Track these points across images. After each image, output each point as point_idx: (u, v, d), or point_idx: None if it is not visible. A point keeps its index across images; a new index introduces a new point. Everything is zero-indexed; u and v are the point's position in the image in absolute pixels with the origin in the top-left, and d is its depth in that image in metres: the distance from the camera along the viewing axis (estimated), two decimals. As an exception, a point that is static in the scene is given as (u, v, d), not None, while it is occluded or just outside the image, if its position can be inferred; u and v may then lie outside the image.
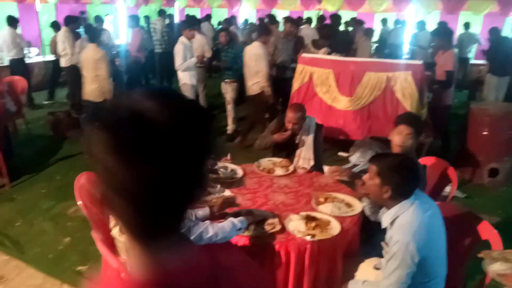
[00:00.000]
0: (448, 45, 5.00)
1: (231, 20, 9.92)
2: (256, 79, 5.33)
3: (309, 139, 3.51)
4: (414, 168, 2.03)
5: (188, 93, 5.78)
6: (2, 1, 8.56)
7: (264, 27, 6.00)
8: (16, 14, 9.24)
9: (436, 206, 2.04)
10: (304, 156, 3.51)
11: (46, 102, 8.12)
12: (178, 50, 5.64)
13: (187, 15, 10.91)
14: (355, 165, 5.12)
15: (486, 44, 9.14)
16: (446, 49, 4.95)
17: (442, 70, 4.88)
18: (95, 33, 5.30)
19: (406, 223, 1.89)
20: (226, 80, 5.85)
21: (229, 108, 6.03)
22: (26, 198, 4.31)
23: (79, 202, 2.45)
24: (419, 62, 4.68)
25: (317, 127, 3.59)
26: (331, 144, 5.46)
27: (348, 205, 2.61)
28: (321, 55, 5.09)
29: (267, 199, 2.72)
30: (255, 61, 5.29)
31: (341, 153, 5.53)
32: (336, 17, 7.70)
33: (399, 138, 2.69)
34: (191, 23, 6.13)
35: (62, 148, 5.75)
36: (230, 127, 6.21)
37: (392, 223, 1.95)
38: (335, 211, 2.50)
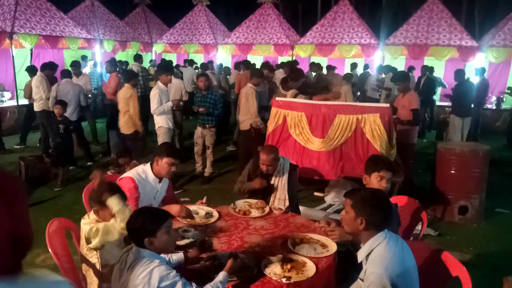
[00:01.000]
0: (407, 88, 5.44)
1: (207, 65, 10.21)
2: (248, 116, 5.80)
3: (283, 180, 3.58)
4: (385, 199, 2.14)
5: (164, 136, 5.80)
6: (-24, 46, 8.55)
7: (258, 71, 6.36)
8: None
9: (406, 245, 2.10)
10: (279, 197, 3.57)
11: (18, 147, 7.94)
12: (154, 94, 5.73)
13: (163, 60, 11.17)
14: (330, 205, 5.19)
15: (449, 87, 9.79)
16: (407, 91, 5.32)
17: (406, 111, 5.19)
18: (130, 75, 6.19)
19: (379, 256, 1.96)
20: (206, 125, 6.04)
21: (209, 152, 6.20)
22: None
23: (50, 250, 2.37)
24: (386, 105, 4.92)
25: (291, 168, 3.68)
26: (307, 185, 5.55)
27: (323, 245, 2.64)
28: (294, 98, 5.28)
29: (243, 242, 2.71)
30: (246, 100, 5.79)
31: (316, 193, 5.61)
32: (314, 65, 8.91)
33: (381, 183, 2.80)
34: (167, 68, 6.27)
35: (33, 194, 5.59)
36: (207, 170, 6.26)
37: (367, 257, 2.01)
38: (311, 252, 2.52)
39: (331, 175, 4.73)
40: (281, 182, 3.58)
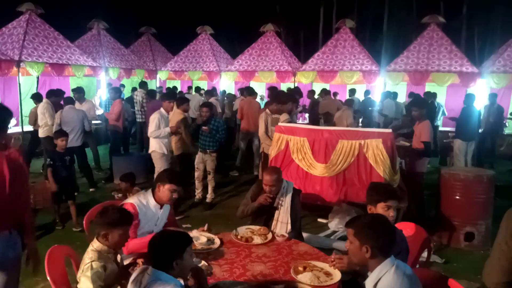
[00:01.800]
0: (424, 116, 5.30)
1: (212, 92, 10.34)
2: (267, 140, 6.04)
3: (286, 202, 3.58)
4: (386, 222, 2.11)
5: (158, 161, 5.78)
6: (-16, 74, 8.72)
7: (278, 97, 6.42)
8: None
9: (415, 274, 2.05)
10: (282, 220, 3.54)
11: (21, 173, 7.95)
12: (153, 118, 5.78)
13: (168, 88, 11.36)
14: (334, 232, 5.12)
15: (448, 114, 9.91)
16: (422, 120, 5.24)
17: (418, 140, 5.13)
18: (182, 101, 6.35)
19: (388, 285, 1.91)
20: (207, 150, 6.03)
21: (210, 177, 6.18)
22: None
23: (48, 278, 2.33)
24: (388, 130, 4.92)
25: (294, 192, 3.67)
26: (310, 210, 5.49)
27: (327, 274, 2.58)
28: (297, 124, 5.32)
29: (245, 270, 2.66)
30: (265, 125, 6.14)
31: (320, 220, 5.54)
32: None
33: (388, 212, 2.76)
34: (171, 95, 6.35)
35: (34, 219, 5.54)
36: (209, 196, 6.22)
37: (374, 286, 1.96)
38: (314, 281, 2.46)
39: (334, 200, 4.69)
40: (284, 205, 3.56)
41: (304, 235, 4.09)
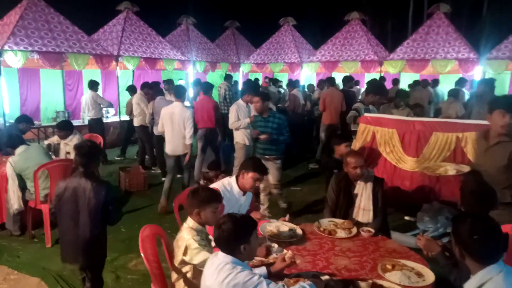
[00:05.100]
0: None
1: (294, 83, 10.28)
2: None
3: (368, 188, 3.45)
4: (494, 226, 1.84)
5: (239, 151, 5.87)
6: (89, 68, 9.66)
7: (378, 88, 5.71)
8: (99, 79, 10.41)
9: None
10: (364, 207, 3.42)
11: (118, 158, 8.70)
12: (232, 110, 5.93)
13: (248, 80, 11.52)
14: (424, 231, 4.75)
15: None
16: None
17: None
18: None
19: None
20: (266, 156, 5.05)
21: (276, 192, 5.39)
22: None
23: (142, 254, 2.48)
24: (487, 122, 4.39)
25: (376, 179, 3.55)
26: (397, 208, 5.16)
27: (419, 274, 2.39)
28: (384, 114, 5.01)
29: (329, 263, 2.58)
30: None
31: (407, 217, 5.20)
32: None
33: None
34: (252, 89, 6.41)
35: (128, 202, 6.03)
36: (283, 205, 5.59)
37: None
38: (405, 281, 2.29)
39: (425, 198, 4.34)
40: (365, 191, 3.44)
41: (392, 234, 3.86)
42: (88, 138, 6.63)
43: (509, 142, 3.10)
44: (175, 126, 5.46)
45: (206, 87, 6.90)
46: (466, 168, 3.22)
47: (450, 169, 3.35)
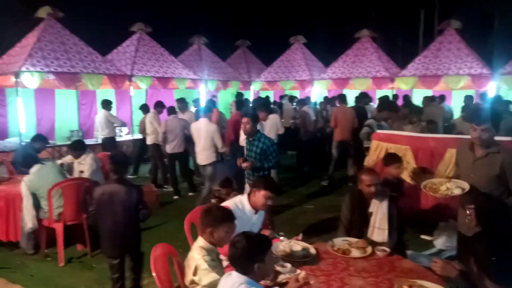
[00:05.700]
0: None
1: (305, 101, 10.30)
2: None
3: (383, 207, 3.36)
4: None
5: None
6: (104, 88, 9.84)
7: (390, 104, 6.04)
8: (113, 99, 10.58)
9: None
10: (380, 226, 3.31)
11: (131, 177, 8.75)
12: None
13: (260, 98, 11.59)
14: (440, 250, 4.64)
15: None
16: None
17: None
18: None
19: None
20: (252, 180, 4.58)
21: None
22: (104, 268, 4.45)
23: (154, 274, 2.46)
24: (508, 138, 4.31)
25: (391, 197, 3.43)
26: (412, 226, 5.05)
27: (437, 295, 2.31)
28: (397, 131, 4.96)
29: (343, 283, 2.52)
30: None
31: (424, 236, 5.08)
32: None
33: None
34: (264, 106, 6.48)
35: (140, 220, 6.01)
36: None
37: None
38: (423, 302, 2.22)
39: (441, 216, 4.25)
40: (380, 210, 3.35)
41: (408, 252, 3.76)
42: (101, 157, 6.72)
43: (497, 153, 3.14)
44: (201, 140, 6.18)
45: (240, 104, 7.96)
46: (466, 185, 3.14)
47: (454, 188, 3.18)
